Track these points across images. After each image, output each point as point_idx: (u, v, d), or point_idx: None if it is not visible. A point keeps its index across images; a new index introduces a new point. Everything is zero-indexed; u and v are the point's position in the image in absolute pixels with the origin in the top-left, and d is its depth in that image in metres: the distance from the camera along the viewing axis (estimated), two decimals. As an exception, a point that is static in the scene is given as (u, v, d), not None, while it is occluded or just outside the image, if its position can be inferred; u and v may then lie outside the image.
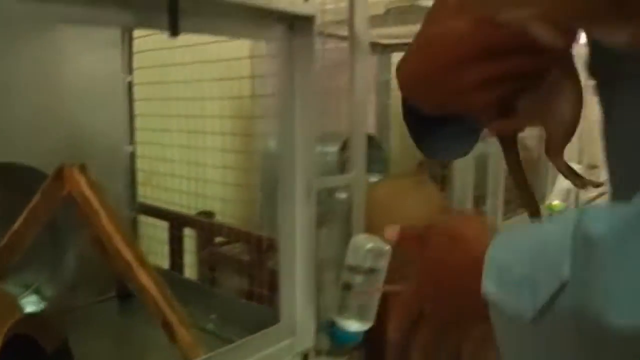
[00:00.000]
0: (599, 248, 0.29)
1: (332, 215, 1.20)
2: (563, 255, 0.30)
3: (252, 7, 0.90)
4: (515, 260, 0.33)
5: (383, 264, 1.10)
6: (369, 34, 1.18)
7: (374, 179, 1.71)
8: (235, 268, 1.43)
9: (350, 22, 1.15)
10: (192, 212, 1.54)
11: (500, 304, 0.33)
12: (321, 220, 1.11)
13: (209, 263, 1.48)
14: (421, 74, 0.43)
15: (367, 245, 1.10)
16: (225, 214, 1.55)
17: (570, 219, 0.31)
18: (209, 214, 1.56)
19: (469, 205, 1.53)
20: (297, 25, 1.00)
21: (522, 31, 0.36)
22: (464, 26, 0.39)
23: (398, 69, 0.46)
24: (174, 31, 0.80)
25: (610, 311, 0.28)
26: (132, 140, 1.50)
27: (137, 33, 1.43)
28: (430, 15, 0.44)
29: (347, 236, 1.17)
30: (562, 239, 0.31)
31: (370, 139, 1.42)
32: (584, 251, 0.29)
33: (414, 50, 0.45)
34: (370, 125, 1.84)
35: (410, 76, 0.45)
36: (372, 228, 1.19)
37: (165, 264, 1.51)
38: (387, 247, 1.09)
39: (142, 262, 0.96)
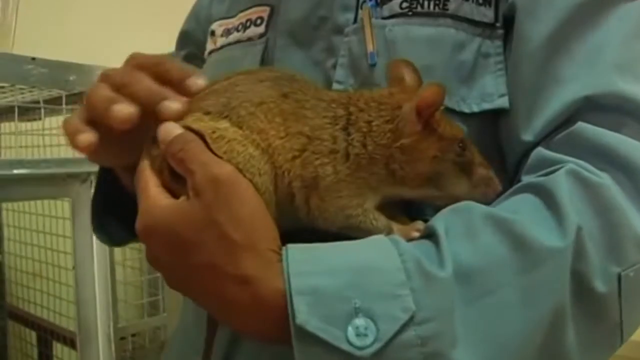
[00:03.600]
0: (441, 286, 0.33)
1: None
2: (401, 287, 0.32)
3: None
4: (335, 287, 0.32)
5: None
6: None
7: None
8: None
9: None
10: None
11: (324, 336, 0.31)
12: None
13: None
14: None
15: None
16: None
17: (387, 245, 0.34)
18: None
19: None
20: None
21: None
22: None
23: None
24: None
25: (458, 349, 0.32)
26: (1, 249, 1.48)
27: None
28: None
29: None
30: (392, 270, 0.33)
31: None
32: (427, 286, 0.32)
33: None
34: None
35: None
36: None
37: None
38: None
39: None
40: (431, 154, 0.39)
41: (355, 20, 0.49)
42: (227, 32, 0.60)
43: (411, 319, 0.31)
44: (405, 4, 0.47)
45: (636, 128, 0.41)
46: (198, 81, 0.43)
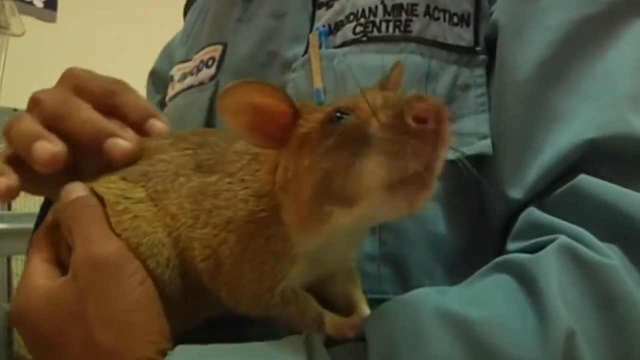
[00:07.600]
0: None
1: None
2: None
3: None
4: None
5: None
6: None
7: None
8: None
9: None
10: None
11: None
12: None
13: None
14: None
15: None
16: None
17: (297, 356, 0.27)
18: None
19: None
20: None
21: None
22: None
23: None
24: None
25: None
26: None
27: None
28: None
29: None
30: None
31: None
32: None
33: None
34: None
35: None
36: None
37: None
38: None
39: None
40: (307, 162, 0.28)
41: (305, 52, 0.41)
42: (183, 77, 0.55)
43: None
44: (359, 28, 0.39)
45: None
46: (159, 124, 0.36)
